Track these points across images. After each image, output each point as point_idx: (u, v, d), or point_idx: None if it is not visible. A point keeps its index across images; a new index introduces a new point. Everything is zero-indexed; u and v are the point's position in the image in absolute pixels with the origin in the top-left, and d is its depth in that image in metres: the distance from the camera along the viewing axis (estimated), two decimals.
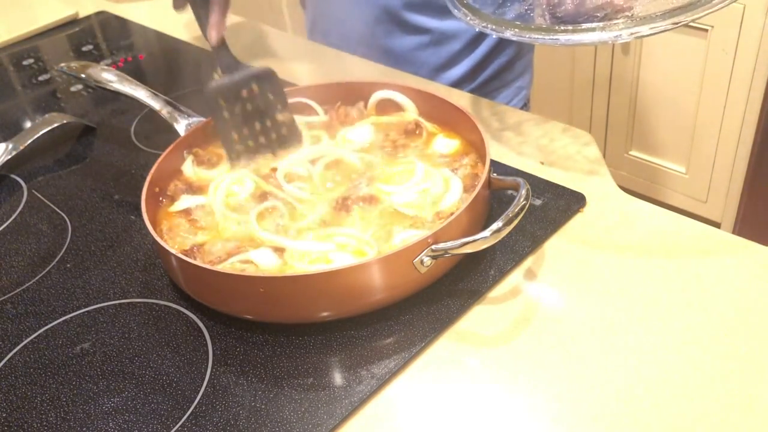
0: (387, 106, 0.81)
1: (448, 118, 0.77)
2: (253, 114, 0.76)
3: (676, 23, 0.60)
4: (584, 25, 0.63)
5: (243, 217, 0.69)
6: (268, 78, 0.76)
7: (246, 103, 0.75)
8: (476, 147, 0.73)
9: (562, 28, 0.64)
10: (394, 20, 1.02)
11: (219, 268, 0.61)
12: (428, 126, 0.77)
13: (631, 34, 0.61)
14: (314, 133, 0.79)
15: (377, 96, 0.81)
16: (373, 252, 0.62)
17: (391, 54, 1.03)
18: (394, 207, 0.67)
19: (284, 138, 0.77)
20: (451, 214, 0.61)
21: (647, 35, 0.61)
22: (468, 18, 0.69)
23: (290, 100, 0.79)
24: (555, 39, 0.63)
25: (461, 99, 0.92)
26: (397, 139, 0.77)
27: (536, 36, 0.64)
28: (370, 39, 1.05)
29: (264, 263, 0.62)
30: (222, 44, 0.76)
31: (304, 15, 1.20)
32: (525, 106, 1.14)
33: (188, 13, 0.82)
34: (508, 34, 0.65)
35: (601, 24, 0.62)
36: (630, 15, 0.66)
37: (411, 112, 0.79)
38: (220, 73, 0.76)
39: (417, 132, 0.77)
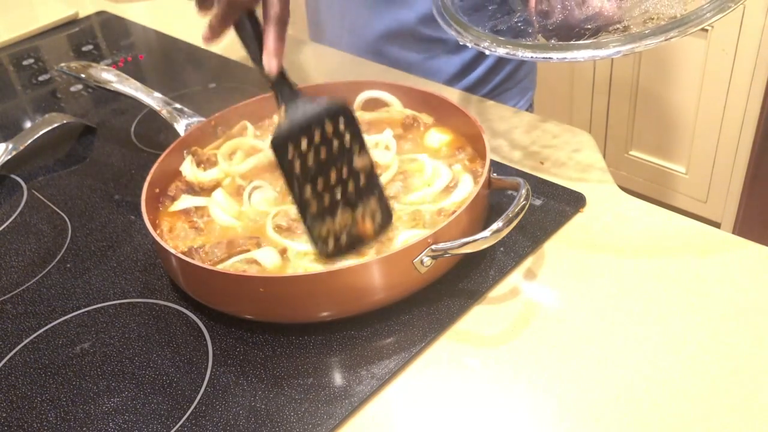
0: (374, 106, 0.81)
1: (442, 115, 0.77)
2: (327, 162, 0.60)
3: (669, 38, 0.60)
4: (577, 42, 0.63)
5: (259, 215, 0.68)
6: (342, 113, 0.59)
7: (319, 148, 0.59)
8: (471, 142, 0.73)
9: (555, 44, 0.64)
10: (408, 34, 1.01)
11: (219, 268, 0.61)
12: (424, 118, 0.78)
13: (626, 50, 0.61)
14: None
15: (364, 95, 0.80)
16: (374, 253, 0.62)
17: (402, 65, 1.02)
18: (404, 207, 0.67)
19: (362, 191, 0.61)
20: (453, 212, 0.61)
21: (640, 50, 0.62)
22: (460, 36, 0.69)
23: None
24: (547, 57, 0.63)
25: (462, 98, 0.92)
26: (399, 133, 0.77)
27: (529, 54, 0.64)
28: (381, 51, 1.03)
29: (268, 262, 0.62)
30: (281, 75, 0.60)
31: (307, 22, 1.19)
32: (531, 107, 1.14)
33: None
34: (501, 52, 0.65)
35: (593, 41, 0.63)
36: (620, 27, 0.66)
37: (396, 106, 0.79)
38: (283, 114, 0.59)
39: (414, 125, 0.77)
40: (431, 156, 0.72)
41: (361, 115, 0.79)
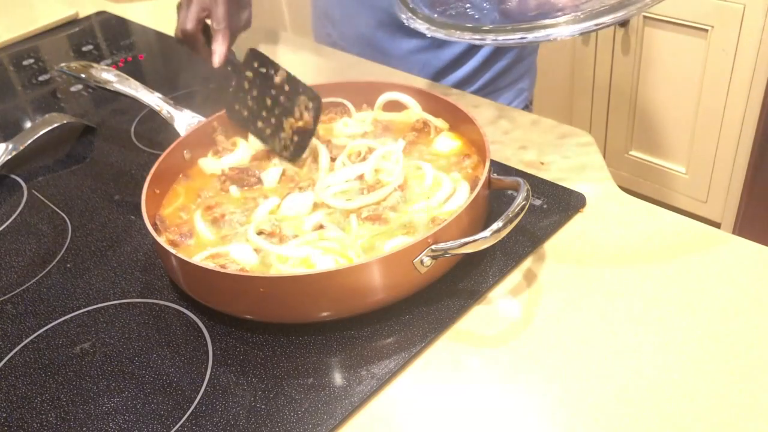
0: (391, 106, 0.81)
1: (450, 119, 0.77)
2: (259, 95, 0.78)
3: (599, 24, 0.61)
4: (510, 26, 0.64)
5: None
6: (253, 56, 0.78)
7: (252, 90, 0.79)
8: (478, 148, 0.73)
9: (487, 27, 0.65)
10: (398, 23, 1.01)
11: (220, 268, 0.61)
12: (436, 122, 0.77)
13: (553, 35, 0.62)
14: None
15: (385, 97, 0.80)
16: (357, 257, 0.61)
17: (392, 56, 1.03)
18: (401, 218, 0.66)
19: (289, 95, 0.76)
20: (443, 221, 0.61)
21: (571, 36, 0.63)
22: (408, 19, 0.70)
23: (326, 100, 0.81)
24: (482, 39, 0.65)
25: (462, 98, 0.92)
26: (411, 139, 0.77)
27: (467, 36, 0.65)
28: (372, 41, 1.05)
29: (242, 260, 0.62)
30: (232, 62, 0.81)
31: (312, 15, 1.20)
32: (527, 108, 1.14)
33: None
34: (442, 35, 0.67)
35: (527, 25, 0.63)
36: (565, 14, 0.66)
37: (415, 109, 0.79)
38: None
39: (425, 130, 0.77)
40: (437, 163, 0.72)
41: (379, 116, 0.80)
